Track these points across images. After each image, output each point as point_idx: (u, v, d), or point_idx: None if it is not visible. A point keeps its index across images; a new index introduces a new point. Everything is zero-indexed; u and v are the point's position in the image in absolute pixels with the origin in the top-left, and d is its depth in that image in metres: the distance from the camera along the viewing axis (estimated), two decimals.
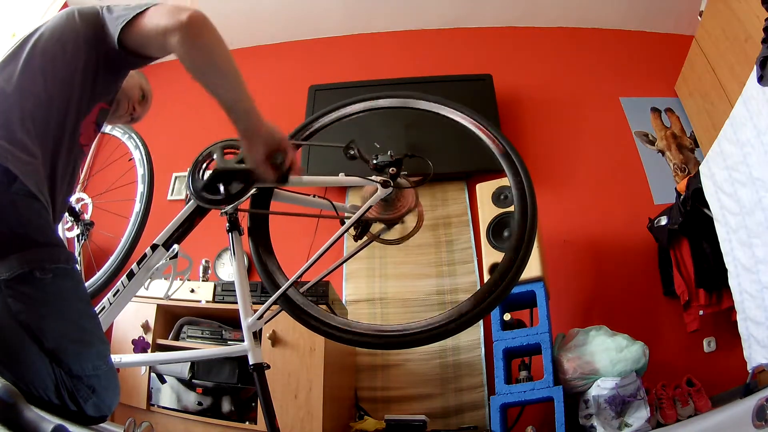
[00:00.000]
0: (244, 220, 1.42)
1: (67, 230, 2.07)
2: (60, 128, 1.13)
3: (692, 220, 2.42)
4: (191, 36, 1.07)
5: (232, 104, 1.12)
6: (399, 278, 2.99)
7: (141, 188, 1.95)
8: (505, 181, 2.28)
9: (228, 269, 3.05)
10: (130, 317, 2.33)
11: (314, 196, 1.49)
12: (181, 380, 2.28)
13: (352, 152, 1.36)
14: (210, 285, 2.44)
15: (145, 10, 1.13)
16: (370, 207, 1.34)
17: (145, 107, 1.58)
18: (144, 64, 1.24)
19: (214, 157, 1.30)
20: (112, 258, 1.83)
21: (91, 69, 1.17)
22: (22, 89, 1.09)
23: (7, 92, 1.08)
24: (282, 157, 1.21)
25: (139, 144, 2.00)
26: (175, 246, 1.36)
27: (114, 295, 1.37)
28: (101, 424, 1.09)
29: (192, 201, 1.35)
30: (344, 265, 2.98)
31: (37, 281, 0.99)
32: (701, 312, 2.46)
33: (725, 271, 2.09)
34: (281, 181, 1.23)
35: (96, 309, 1.35)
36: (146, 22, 1.12)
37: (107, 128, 2.00)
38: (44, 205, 1.06)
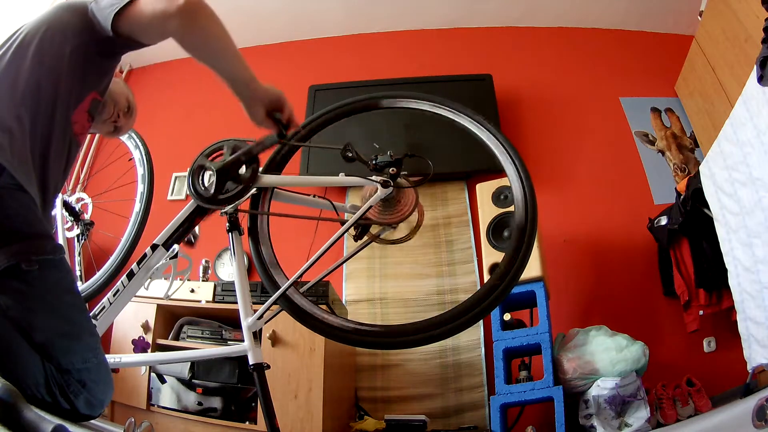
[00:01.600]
0: (244, 220, 1.42)
1: (67, 230, 2.07)
2: (50, 116, 1.13)
3: (692, 220, 2.42)
4: (189, 20, 1.09)
5: (233, 78, 1.20)
6: (399, 278, 2.99)
7: (141, 188, 1.95)
8: (505, 181, 2.28)
9: (228, 269, 3.05)
10: (130, 317, 2.33)
11: (314, 196, 1.49)
12: (181, 380, 2.28)
13: (349, 154, 1.36)
14: (210, 285, 2.44)
15: None
16: (370, 207, 1.34)
17: (129, 120, 1.60)
18: (137, 48, 1.25)
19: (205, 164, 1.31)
20: (112, 258, 1.83)
21: (79, 56, 1.18)
22: (11, 78, 1.10)
23: None
24: (280, 114, 1.30)
25: (139, 144, 2.00)
26: (175, 246, 1.36)
27: (114, 295, 1.37)
28: (102, 424, 1.09)
29: (192, 201, 1.35)
30: (344, 265, 2.98)
31: (24, 274, 0.99)
32: (701, 312, 2.46)
33: (725, 271, 2.09)
34: (281, 135, 1.30)
35: (96, 309, 1.35)
36: (141, 7, 1.12)
37: None
38: (32, 197, 1.06)
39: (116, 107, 1.52)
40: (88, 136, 2.60)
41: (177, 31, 1.10)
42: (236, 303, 1.39)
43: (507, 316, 2.36)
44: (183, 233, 1.39)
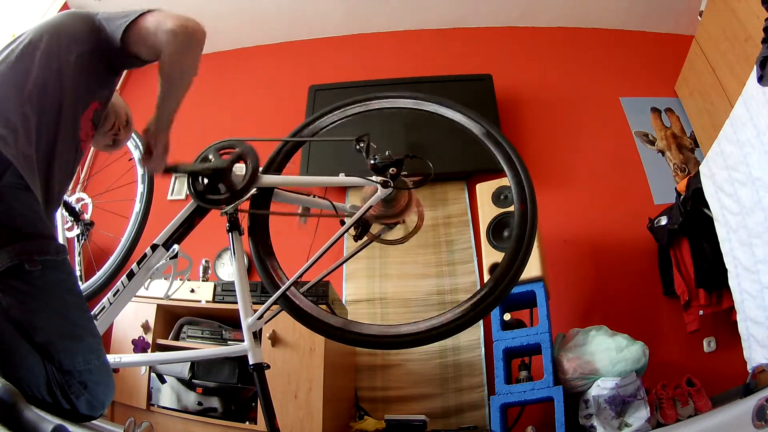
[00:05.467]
0: (244, 220, 1.42)
1: (67, 230, 2.07)
2: (56, 116, 1.15)
3: (692, 220, 2.42)
4: (192, 42, 1.17)
5: (174, 110, 1.33)
6: (399, 278, 2.99)
7: (141, 188, 1.95)
8: (505, 181, 2.28)
9: (228, 269, 3.05)
10: (130, 317, 2.32)
11: (314, 197, 1.49)
12: (181, 380, 2.28)
13: (362, 144, 1.37)
14: (210, 285, 2.44)
15: (149, 11, 1.20)
16: (370, 207, 1.34)
17: (128, 134, 1.62)
18: (136, 65, 1.30)
19: (210, 157, 1.32)
20: (112, 258, 1.83)
21: (84, 63, 1.20)
22: (19, 77, 1.11)
23: (3, 81, 1.10)
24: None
25: (139, 144, 2.00)
26: (175, 246, 1.36)
27: (114, 295, 1.37)
28: (102, 424, 1.09)
29: (192, 201, 1.35)
30: (344, 265, 2.97)
31: (27, 274, 0.99)
32: (701, 312, 2.46)
33: (725, 271, 2.09)
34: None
35: (96, 309, 1.35)
36: (149, 20, 1.19)
37: None
38: (35, 196, 1.06)
39: (117, 120, 1.54)
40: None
41: (175, 45, 1.16)
42: (236, 303, 1.39)
43: (507, 316, 2.36)
44: (183, 233, 1.40)
